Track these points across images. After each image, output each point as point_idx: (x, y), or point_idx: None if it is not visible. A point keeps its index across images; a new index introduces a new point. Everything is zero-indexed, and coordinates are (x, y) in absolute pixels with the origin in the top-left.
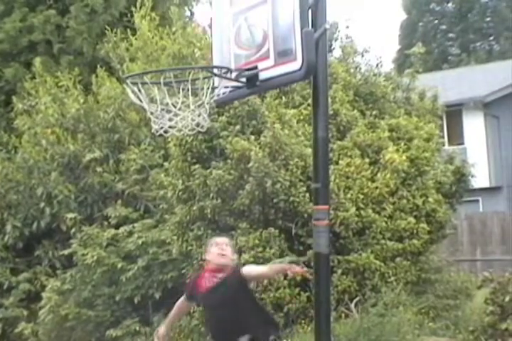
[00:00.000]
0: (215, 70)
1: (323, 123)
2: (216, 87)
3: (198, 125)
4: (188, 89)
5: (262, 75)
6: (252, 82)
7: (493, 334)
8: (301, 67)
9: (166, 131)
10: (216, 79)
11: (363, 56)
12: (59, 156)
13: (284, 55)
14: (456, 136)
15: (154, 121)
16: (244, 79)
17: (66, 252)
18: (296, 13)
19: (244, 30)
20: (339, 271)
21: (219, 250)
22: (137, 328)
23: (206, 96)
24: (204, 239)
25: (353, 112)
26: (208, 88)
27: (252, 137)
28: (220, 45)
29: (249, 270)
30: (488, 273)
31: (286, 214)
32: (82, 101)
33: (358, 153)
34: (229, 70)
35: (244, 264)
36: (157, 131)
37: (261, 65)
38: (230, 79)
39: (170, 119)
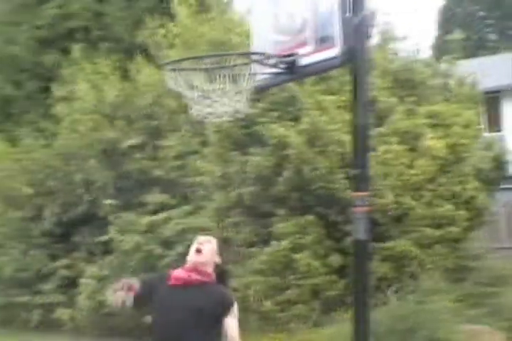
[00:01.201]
0: (254, 56)
1: (363, 110)
2: (255, 74)
3: (236, 111)
4: (227, 76)
5: (301, 62)
6: (291, 69)
7: None
8: (339, 54)
9: (205, 117)
10: (255, 65)
11: (401, 42)
12: (97, 143)
13: (323, 41)
14: (494, 122)
15: (193, 107)
16: (283, 66)
17: (104, 238)
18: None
19: (284, 17)
20: (377, 258)
21: (197, 246)
22: None
23: (245, 82)
24: (242, 225)
25: (392, 99)
26: (247, 74)
27: (290, 124)
28: (259, 31)
29: (230, 324)
30: None
31: (324, 201)
32: (120, 87)
33: (396, 139)
34: (268, 56)
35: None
36: (197, 117)
37: (300, 51)
38: (269, 65)
39: (209, 105)
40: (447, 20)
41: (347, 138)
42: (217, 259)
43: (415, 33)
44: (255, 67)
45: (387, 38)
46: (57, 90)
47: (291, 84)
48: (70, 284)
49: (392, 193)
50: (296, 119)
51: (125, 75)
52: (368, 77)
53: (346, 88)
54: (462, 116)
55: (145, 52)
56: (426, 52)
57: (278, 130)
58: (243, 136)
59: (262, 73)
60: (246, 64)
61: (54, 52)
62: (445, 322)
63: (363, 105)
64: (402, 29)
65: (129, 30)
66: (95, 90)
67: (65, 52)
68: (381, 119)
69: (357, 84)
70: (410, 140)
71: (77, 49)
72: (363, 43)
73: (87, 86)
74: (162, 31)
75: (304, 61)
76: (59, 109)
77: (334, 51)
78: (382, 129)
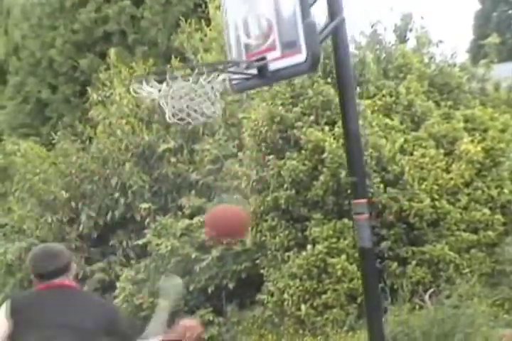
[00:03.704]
0: (226, 65)
1: (353, 116)
2: (227, 78)
3: (208, 116)
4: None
5: (271, 66)
6: (263, 73)
7: None
8: (306, 60)
9: (179, 120)
10: (228, 69)
11: (437, 46)
12: (133, 146)
13: (289, 46)
14: None
15: (166, 111)
16: (254, 70)
17: (140, 242)
18: (298, 2)
19: (252, 20)
20: (413, 262)
21: None
22: (211, 318)
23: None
24: (278, 229)
25: (428, 103)
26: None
27: (327, 128)
28: (233, 33)
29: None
30: None
31: None
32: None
33: (432, 143)
34: (237, 64)
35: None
36: (169, 120)
37: (269, 56)
38: (240, 73)
39: (181, 110)
40: (483, 24)
41: (383, 142)
42: None
43: (451, 36)
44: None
45: (423, 42)
46: (94, 94)
47: (327, 88)
48: (107, 288)
49: (429, 197)
50: (332, 123)
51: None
52: (402, 81)
53: (383, 92)
54: (499, 120)
55: (181, 56)
56: (462, 56)
57: (314, 134)
58: (279, 139)
59: (234, 78)
60: (220, 70)
61: (90, 56)
62: (481, 326)
63: (352, 111)
64: (438, 33)
65: (165, 34)
66: (131, 94)
67: (102, 55)
68: (417, 123)
69: (342, 92)
70: (446, 144)
71: (113, 53)
72: (345, 48)
73: (123, 90)
74: (198, 35)
75: (273, 66)
76: (95, 112)
77: (300, 57)
78: (418, 133)
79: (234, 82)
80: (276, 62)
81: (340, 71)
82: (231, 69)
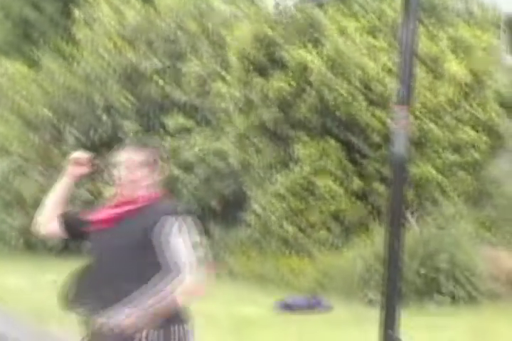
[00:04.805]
0: None
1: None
2: None
3: None
4: None
5: None
6: None
7: None
8: None
9: None
10: None
11: None
12: (118, 66)
13: None
14: None
15: None
16: None
17: None
18: None
19: None
20: None
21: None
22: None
23: None
24: (263, 149)
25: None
26: None
27: (313, 48)
28: None
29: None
30: None
31: (345, 125)
32: (141, 10)
33: (416, 62)
34: None
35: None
36: None
37: None
38: None
39: None
40: None
41: (368, 62)
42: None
43: None
44: None
45: None
46: (78, 13)
47: (313, 9)
48: (94, 207)
49: (412, 116)
50: (317, 43)
51: None
52: None
53: (367, 12)
54: (483, 40)
55: None
56: None
57: (299, 53)
58: (265, 60)
59: None
60: None
61: None
62: (466, 246)
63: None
64: None
65: None
66: (116, 13)
67: None
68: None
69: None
70: (431, 63)
71: None
72: None
73: (107, 9)
74: None
75: None
76: (80, 32)
77: None
78: None
79: None
80: None
81: None
82: None
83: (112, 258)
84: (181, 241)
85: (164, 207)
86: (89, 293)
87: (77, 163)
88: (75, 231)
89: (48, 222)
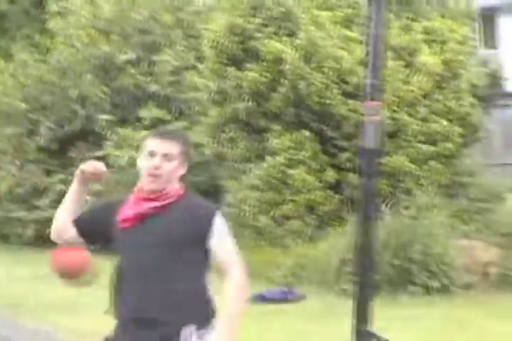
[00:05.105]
0: None
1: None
2: None
3: None
4: None
5: None
6: None
7: None
8: None
9: None
10: None
11: None
12: (93, 58)
13: None
14: (490, 39)
15: None
16: None
17: (100, 154)
18: None
19: None
20: None
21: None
22: None
23: None
24: (237, 141)
25: (387, 14)
26: None
27: (287, 39)
28: None
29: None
30: None
31: (319, 117)
32: (115, 2)
33: (392, 55)
34: None
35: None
36: None
37: None
38: None
39: None
40: None
41: (343, 53)
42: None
43: None
44: None
45: None
46: (52, 5)
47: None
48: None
49: (387, 109)
50: (292, 35)
51: None
52: None
53: (342, 3)
54: (458, 32)
55: None
56: None
57: (274, 45)
58: (239, 51)
59: None
60: None
61: None
62: (439, 237)
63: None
64: None
65: None
66: (90, 5)
67: None
68: None
69: None
70: (406, 55)
71: None
72: None
73: (82, 0)
74: None
75: None
76: (54, 23)
77: None
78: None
79: None
80: None
81: None
82: None
83: (150, 257)
84: (231, 240)
85: (205, 203)
86: (131, 296)
87: (94, 175)
88: (96, 235)
89: (64, 230)
